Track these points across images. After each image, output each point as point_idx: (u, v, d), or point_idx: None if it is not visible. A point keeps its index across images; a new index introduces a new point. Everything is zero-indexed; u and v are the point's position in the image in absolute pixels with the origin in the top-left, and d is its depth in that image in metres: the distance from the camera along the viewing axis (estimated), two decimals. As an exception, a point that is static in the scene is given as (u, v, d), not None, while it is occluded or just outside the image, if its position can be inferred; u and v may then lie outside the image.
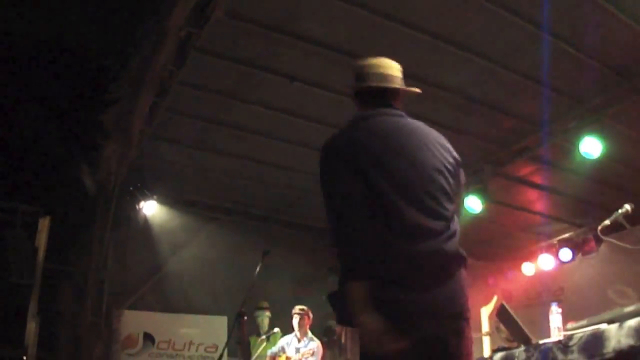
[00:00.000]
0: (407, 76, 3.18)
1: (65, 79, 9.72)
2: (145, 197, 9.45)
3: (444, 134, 3.00)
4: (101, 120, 8.22)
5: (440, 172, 2.96)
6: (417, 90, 3.19)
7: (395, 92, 3.12)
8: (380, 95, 3.09)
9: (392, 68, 3.16)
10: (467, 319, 2.82)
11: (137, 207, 9.46)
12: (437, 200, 2.89)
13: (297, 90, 7.15)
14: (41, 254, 9.19)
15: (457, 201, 3.07)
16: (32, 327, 8.95)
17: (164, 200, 9.68)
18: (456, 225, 2.95)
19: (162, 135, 8.19)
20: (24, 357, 8.66)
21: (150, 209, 9.57)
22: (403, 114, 3.08)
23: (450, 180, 2.99)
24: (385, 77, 3.11)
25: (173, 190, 9.62)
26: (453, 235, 2.90)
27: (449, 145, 3.10)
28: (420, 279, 2.73)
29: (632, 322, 3.84)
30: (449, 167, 3.01)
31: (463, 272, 2.87)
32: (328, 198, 2.81)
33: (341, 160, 2.80)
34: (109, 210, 9.05)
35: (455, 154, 3.10)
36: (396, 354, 2.56)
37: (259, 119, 7.81)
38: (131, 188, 9.22)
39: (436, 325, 2.72)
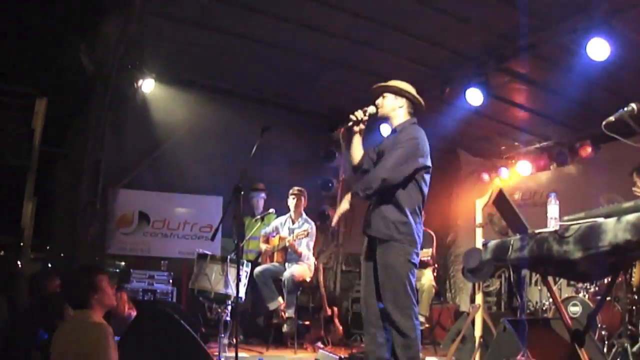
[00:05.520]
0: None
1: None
2: (144, 76, 9.25)
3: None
4: (99, -4, 8.03)
5: None
6: None
7: None
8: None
9: None
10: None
11: (135, 85, 9.27)
12: None
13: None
14: (37, 136, 9.20)
15: None
16: (28, 208, 9.06)
17: (162, 79, 9.50)
18: None
19: (162, 11, 7.90)
20: (21, 243, 8.81)
21: (149, 87, 9.40)
22: None
23: None
24: None
25: (172, 69, 9.44)
26: None
27: None
28: None
29: (630, 217, 3.81)
30: None
31: None
32: None
33: None
34: (106, 90, 8.92)
35: None
36: None
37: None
38: (129, 66, 9.03)
39: None
